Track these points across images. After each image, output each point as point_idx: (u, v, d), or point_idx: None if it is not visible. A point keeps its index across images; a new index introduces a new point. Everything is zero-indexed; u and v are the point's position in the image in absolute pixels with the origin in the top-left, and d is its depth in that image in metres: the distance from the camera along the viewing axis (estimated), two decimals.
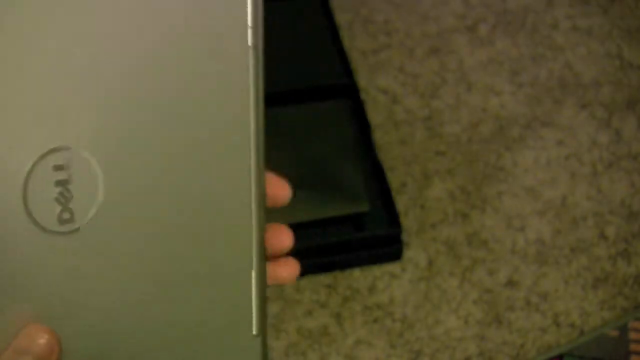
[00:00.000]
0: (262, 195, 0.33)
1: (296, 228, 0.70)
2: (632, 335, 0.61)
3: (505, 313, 0.63)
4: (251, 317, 0.33)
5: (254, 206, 0.33)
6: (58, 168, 0.29)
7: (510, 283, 0.64)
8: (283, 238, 0.35)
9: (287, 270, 0.35)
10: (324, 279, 0.65)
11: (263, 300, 0.34)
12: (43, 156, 0.29)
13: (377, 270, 0.65)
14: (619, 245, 0.66)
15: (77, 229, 0.30)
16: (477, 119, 0.74)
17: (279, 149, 0.68)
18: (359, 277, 0.65)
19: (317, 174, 0.67)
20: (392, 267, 0.65)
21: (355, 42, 0.80)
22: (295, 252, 0.68)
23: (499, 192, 0.69)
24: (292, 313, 0.63)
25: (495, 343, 0.61)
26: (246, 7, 0.31)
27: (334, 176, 0.67)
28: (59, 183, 0.29)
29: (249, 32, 0.31)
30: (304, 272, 0.65)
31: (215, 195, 0.32)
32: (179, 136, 0.31)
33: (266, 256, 0.34)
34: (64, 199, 0.29)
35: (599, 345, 0.60)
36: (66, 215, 0.29)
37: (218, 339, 0.33)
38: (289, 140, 0.69)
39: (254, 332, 0.33)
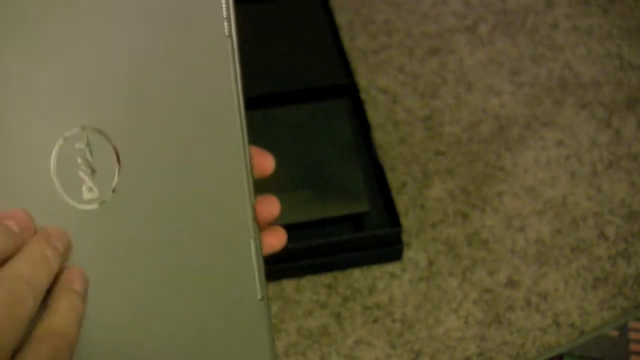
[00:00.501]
0: (250, 168, 0.36)
1: (296, 228, 0.70)
2: (632, 335, 0.61)
3: (505, 313, 0.63)
4: (255, 284, 0.36)
5: (245, 179, 0.35)
6: (80, 148, 0.33)
7: (510, 283, 0.64)
8: (272, 207, 0.37)
9: (276, 238, 0.38)
10: (324, 279, 0.65)
11: (262, 267, 0.36)
12: (67, 137, 0.33)
13: (377, 270, 0.65)
14: (619, 245, 0.66)
15: (102, 203, 0.33)
16: (477, 119, 0.74)
17: (279, 148, 0.68)
18: (359, 277, 0.65)
19: (317, 173, 0.67)
20: (392, 267, 0.65)
21: (355, 42, 0.80)
22: (295, 252, 0.68)
23: (499, 192, 0.70)
24: (292, 313, 0.63)
25: (495, 343, 0.61)
26: (220, 2, 0.34)
27: (334, 176, 0.67)
28: (82, 160, 0.33)
29: (225, 23, 0.34)
30: (304, 272, 0.65)
31: (211, 171, 0.35)
32: (176, 118, 0.34)
33: (259, 225, 0.37)
34: (87, 175, 0.33)
35: (599, 345, 0.60)
36: (91, 191, 0.33)
37: (226, 307, 0.35)
38: (289, 140, 0.69)
39: (259, 297, 0.36)
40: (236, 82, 0.35)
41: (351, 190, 0.66)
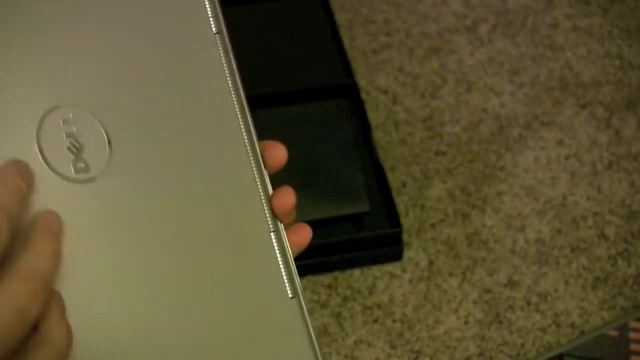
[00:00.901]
0: (261, 160, 0.35)
1: None
2: (632, 335, 0.61)
3: (505, 313, 0.63)
4: (283, 282, 0.34)
5: (256, 174, 0.34)
6: (66, 122, 0.32)
7: (510, 283, 0.64)
8: (287, 198, 0.35)
9: (301, 235, 0.36)
10: (324, 279, 0.65)
11: (290, 263, 0.34)
12: (51, 110, 0.32)
13: (377, 270, 0.65)
14: (619, 245, 0.66)
15: (94, 178, 0.32)
16: (477, 119, 0.74)
17: None
18: (359, 277, 0.65)
19: (317, 173, 0.67)
20: (392, 267, 0.65)
21: (355, 42, 0.80)
22: None
23: (499, 192, 0.70)
24: None
25: (495, 343, 0.61)
26: (205, 3, 0.35)
27: (334, 176, 0.67)
28: (69, 135, 0.32)
29: (211, 21, 0.35)
30: (304, 272, 0.65)
31: (214, 160, 0.34)
32: (168, 107, 0.34)
33: (279, 219, 0.35)
34: (76, 149, 0.32)
35: (599, 345, 0.60)
36: (81, 165, 0.32)
37: (254, 310, 0.33)
38: (289, 140, 0.69)
39: (290, 295, 0.34)
40: (231, 71, 0.35)
41: (351, 190, 0.66)
